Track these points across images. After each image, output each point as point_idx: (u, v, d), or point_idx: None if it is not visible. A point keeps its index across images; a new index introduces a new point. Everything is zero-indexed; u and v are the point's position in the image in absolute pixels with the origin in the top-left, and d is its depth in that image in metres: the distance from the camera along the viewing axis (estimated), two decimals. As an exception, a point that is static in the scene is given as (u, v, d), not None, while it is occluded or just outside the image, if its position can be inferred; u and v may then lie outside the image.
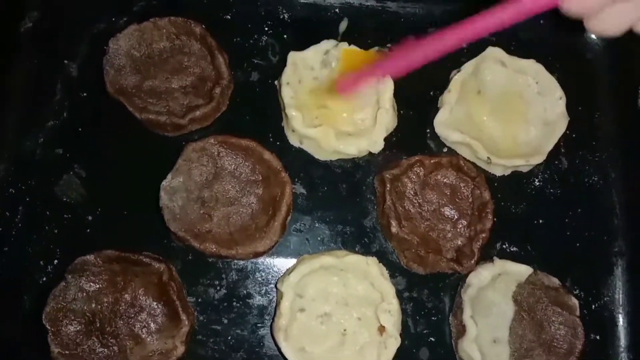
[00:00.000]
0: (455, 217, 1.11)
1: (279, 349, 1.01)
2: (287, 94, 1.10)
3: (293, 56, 1.12)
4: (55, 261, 1.07)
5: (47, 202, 1.09)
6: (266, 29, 1.20)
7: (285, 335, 1.00)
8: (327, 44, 1.13)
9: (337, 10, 1.22)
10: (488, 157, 1.11)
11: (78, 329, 1.00)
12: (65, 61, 1.15)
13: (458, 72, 1.15)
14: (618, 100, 1.22)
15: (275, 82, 1.15)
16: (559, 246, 1.15)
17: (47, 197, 1.09)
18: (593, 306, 1.13)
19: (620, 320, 1.13)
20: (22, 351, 1.03)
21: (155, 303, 1.02)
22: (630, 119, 1.19)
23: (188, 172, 1.06)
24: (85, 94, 1.15)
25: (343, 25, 1.21)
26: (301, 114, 1.09)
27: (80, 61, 1.16)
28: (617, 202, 1.18)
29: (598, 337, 1.12)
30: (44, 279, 1.06)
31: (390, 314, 1.02)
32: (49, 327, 0.99)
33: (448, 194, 1.12)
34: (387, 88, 1.12)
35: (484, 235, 1.07)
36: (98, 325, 1.01)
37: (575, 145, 1.19)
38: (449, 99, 1.14)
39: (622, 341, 1.12)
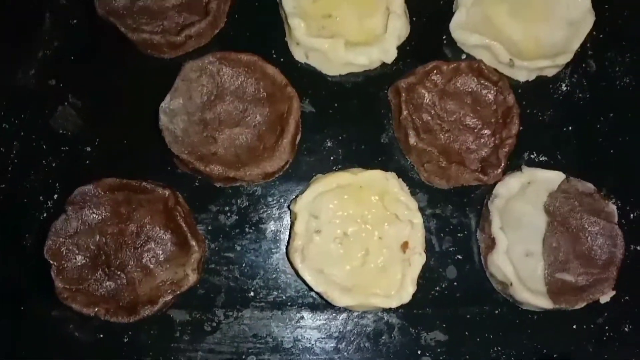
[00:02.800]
0: (478, 126, 1.03)
1: (296, 273, 0.95)
2: (289, 2, 1.02)
3: (293, -37, 1.04)
4: (55, 196, 1.01)
5: (43, 135, 1.04)
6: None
7: (302, 257, 0.94)
8: (329, -51, 1.05)
9: None
10: (510, 59, 1.02)
11: (82, 262, 0.95)
12: (52, -13, 1.09)
13: (473, -29, 1.06)
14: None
15: (276, -7, 1.07)
16: (590, 153, 1.07)
17: (42, 130, 1.04)
18: (631, 215, 1.05)
19: (662, 228, 1.05)
20: (26, 290, 0.98)
21: (162, 231, 0.97)
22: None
23: (187, 92, 0.99)
24: (75, 21, 1.08)
25: None
26: (305, 24, 1.01)
27: (67, -14, 1.09)
28: (652, 103, 1.09)
29: (639, 248, 1.04)
30: (45, 214, 1.00)
31: (414, 228, 0.95)
32: (51, 262, 0.93)
33: (469, 102, 1.03)
34: (398, -8, 1.03)
35: (510, 141, 0.99)
36: (104, 258, 0.95)
37: (603, 45, 1.11)
38: (465, 0, 1.05)
39: (665, 251, 1.04)
